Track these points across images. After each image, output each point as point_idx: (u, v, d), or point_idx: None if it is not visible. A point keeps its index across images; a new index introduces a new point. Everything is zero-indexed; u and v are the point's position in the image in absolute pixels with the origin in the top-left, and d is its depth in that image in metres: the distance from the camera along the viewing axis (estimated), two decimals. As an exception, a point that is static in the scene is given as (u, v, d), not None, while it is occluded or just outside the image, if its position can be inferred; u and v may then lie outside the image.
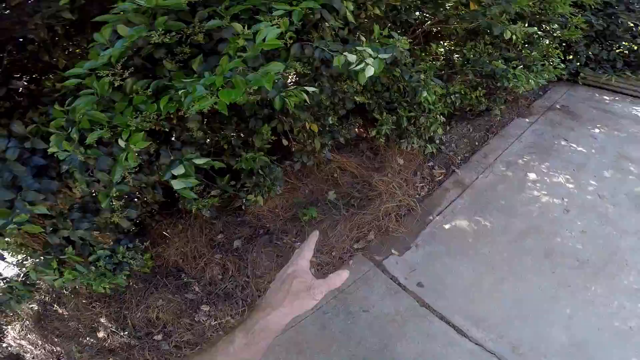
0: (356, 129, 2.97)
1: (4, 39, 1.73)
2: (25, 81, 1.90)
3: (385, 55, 1.38)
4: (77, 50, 2.10)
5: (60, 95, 1.68)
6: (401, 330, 2.27)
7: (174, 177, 1.41)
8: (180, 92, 1.12)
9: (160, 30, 1.15)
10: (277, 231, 2.99)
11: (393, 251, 2.77)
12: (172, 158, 1.46)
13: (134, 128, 1.21)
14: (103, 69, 1.17)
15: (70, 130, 1.30)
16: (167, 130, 1.46)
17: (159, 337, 2.59)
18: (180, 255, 2.90)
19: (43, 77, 1.87)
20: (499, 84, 2.81)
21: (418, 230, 2.87)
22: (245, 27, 1.22)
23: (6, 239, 1.33)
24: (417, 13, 2.59)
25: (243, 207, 2.75)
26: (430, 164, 3.23)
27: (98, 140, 1.29)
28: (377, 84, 2.59)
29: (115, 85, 1.20)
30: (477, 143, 3.45)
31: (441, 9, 2.36)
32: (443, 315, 2.30)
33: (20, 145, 1.50)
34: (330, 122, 2.39)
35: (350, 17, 1.61)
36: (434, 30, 3.09)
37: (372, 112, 2.62)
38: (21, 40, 1.81)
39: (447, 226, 2.90)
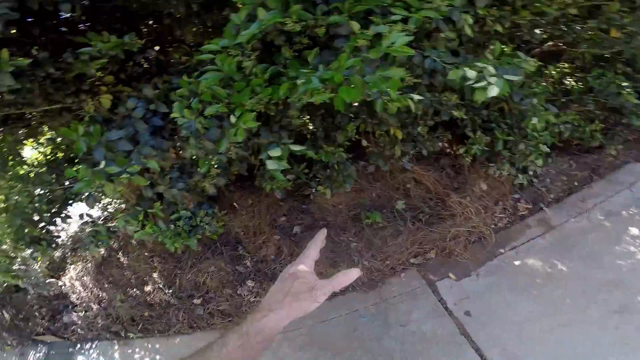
0: (441, 143, 2.82)
1: (147, 12, 1.98)
2: (156, 51, 2.14)
3: (514, 77, 1.27)
4: (198, 28, 2.30)
5: (184, 67, 1.87)
6: (431, 352, 2.22)
7: (269, 157, 1.48)
8: (298, 82, 1.15)
9: (294, 17, 1.19)
10: (337, 227, 3.01)
11: (450, 275, 2.64)
12: (270, 139, 1.54)
13: (248, 108, 1.30)
14: (234, 49, 1.26)
15: (192, 100, 1.43)
16: (271, 113, 1.54)
17: (198, 301, 2.76)
18: (243, 229, 3.07)
19: (171, 49, 2.09)
20: (623, 120, 2.42)
21: (484, 260, 2.69)
22: (371, 28, 1.22)
23: (115, 187, 1.50)
24: (538, 31, 2.35)
25: (311, 197, 2.82)
26: (517, 196, 2.93)
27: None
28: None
29: (242, 65, 1.28)
30: (576, 183, 3.02)
31: (572, 32, 2.10)
32: (479, 347, 2.19)
33: (146, 106, 1.72)
34: (419, 132, 2.30)
35: (469, 31, 1.53)
36: (552, 50, 2.78)
37: (464, 128, 2.45)
38: (157, 14, 2.04)
39: (517, 262, 2.66)
